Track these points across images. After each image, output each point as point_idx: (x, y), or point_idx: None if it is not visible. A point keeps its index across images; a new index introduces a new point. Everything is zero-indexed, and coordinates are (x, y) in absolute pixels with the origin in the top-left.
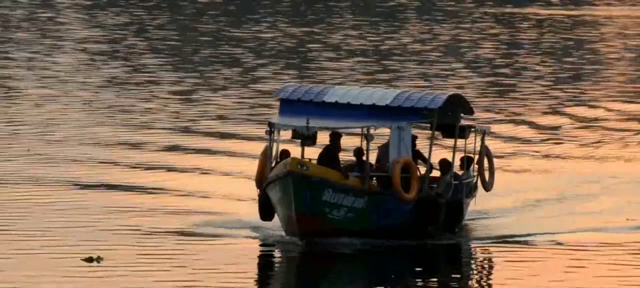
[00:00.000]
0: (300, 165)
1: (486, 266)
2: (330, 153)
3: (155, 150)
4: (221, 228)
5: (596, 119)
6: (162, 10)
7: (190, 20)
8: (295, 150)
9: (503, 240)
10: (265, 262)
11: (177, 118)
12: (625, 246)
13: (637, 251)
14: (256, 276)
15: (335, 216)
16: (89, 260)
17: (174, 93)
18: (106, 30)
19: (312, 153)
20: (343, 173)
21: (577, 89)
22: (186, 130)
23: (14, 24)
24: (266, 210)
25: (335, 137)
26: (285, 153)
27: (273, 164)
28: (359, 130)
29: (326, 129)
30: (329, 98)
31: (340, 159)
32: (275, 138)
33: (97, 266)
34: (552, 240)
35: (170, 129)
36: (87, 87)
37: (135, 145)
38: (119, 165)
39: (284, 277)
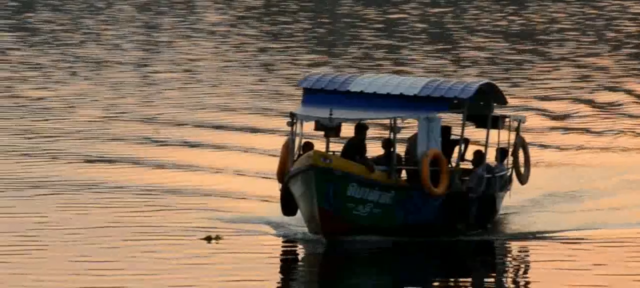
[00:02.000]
0: (323, 158)
1: (521, 264)
2: (355, 146)
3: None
4: (242, 224)
5: None
6: None
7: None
8: (320, 143)
9: (539, 236)
10: (287, 260)
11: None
12: None
13: None
14: (278, 275)
15: (361, 212)
16: (208, 239)
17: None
18: (238, 14)
19: (339, 146)
20: (368, 167)
21: None
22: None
23: (157, 10)
24: (288, 205)
25: (361, 128)
26: (308, 146)
27: (296, 157)
28: (385, 122)
29: (350, 120)
30: (354, 87)
31: (369, 151)
32: (298, 130)
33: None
34: (592, 236)
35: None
36: (214, 72)
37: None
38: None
39: (307, 276)
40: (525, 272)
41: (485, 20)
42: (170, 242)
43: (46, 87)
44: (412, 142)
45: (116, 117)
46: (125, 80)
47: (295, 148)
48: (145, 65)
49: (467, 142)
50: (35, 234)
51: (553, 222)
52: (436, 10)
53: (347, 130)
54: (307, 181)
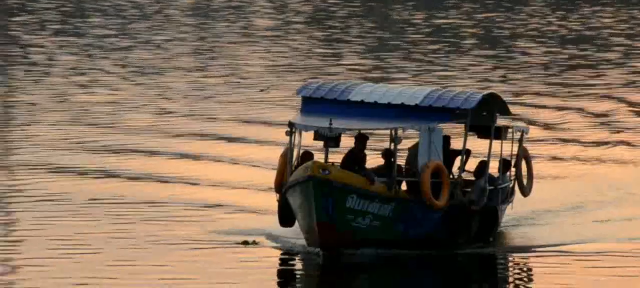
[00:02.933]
0: (321, 169)
1: (523, 278)
2: (355, 157)
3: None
4: (239, 236)
5: None
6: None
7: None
8: (318, 153)
9: (542, 249)
10: (284, 273)
11: None
12: None
13: None
14: None
15: (360, 224)
16: (245, 243)
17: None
18: (288, 19)
19: (339, 156)
20: (368, 178)
21: None
22: None
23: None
24: (286, 216)
25: (361, 139)
26: (307, 156)
27: (293, 167)
28: (386, 132)
29: (350, 130)
30: (354, 96)
31: (369, 162)
32: (296, 139)
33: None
34: (596, 250)
35: None
36: (262, 78)
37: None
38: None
39: None
40: (527, 286)
41: (536, 25)
42: (161, 254)
43: (97, 92)
44: (412, 152)
45: (163, 125)
46: (175, 87)
47: (293, 159)
48: (194, 71)
49: (468, 153)
50: (84, 242)
51: (556, 235)
52: (485, 14)
53: (347, 141)
54: (306, 192)
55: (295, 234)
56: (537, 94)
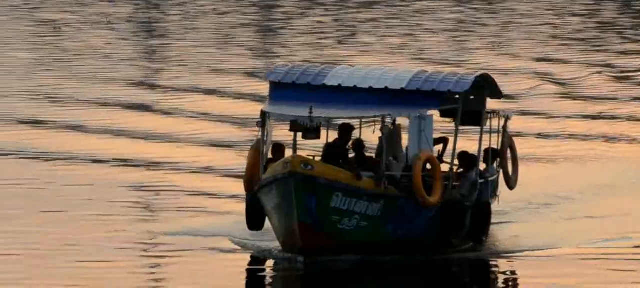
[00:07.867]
0: (304, 164)
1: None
2: (337, 149)
3: None
4: (195, 237)
5: None
6: None
7: None
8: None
9: (533, 251)
10: (255, 284)
11: None
12: None
13: None
14: None
15: (346, 226)
16: None
17: None
18: None
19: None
20: (355, 174)
21: None
22: None
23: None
24: (255, 218)
25: (347, 129)
26: (278, 149)
27: (265, 162)
28: (371, 120)
29: (335, 119)
30: (330, 81)
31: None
32: (269, 130)
33: None
34: (603, 251)
35: None
36: None
37: None
38: None
39: None
40: None
41: None
42: (112, 258)
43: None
44: (384, 140)
45: None
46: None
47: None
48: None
49: (446, 141)
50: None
51: (548, 233)
52: None
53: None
54: (285, 191)
55: (267, 238)
56: None
